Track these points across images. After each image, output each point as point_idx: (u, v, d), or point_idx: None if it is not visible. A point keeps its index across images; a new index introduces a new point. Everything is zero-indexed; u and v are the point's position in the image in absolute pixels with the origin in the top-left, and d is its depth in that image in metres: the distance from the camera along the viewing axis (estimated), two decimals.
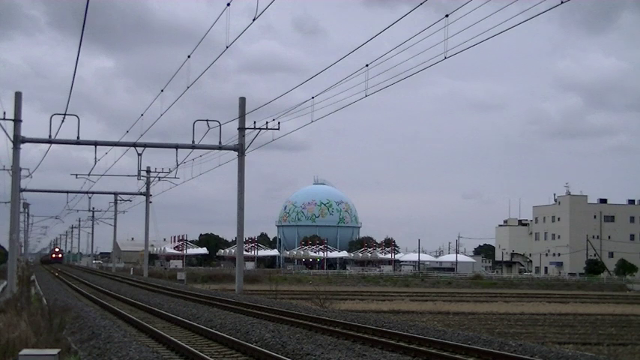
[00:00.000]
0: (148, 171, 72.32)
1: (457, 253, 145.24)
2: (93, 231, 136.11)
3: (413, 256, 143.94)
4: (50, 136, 41.51)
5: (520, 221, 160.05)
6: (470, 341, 20.30)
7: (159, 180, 67.20)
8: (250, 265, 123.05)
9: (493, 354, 17.52)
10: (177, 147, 44.34)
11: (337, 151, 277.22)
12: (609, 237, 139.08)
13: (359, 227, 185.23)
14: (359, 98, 29.94)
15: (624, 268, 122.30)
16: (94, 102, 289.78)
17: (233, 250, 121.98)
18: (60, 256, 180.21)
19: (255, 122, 43.39)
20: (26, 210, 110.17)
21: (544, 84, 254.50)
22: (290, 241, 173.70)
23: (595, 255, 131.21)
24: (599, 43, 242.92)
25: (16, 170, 43.76)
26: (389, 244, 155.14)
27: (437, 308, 46.98)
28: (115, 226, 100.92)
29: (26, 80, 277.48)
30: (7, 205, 48.02)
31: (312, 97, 33.90)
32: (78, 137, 42.14)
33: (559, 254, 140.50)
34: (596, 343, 30.09)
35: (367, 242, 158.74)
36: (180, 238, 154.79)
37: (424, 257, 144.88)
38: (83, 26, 23.80)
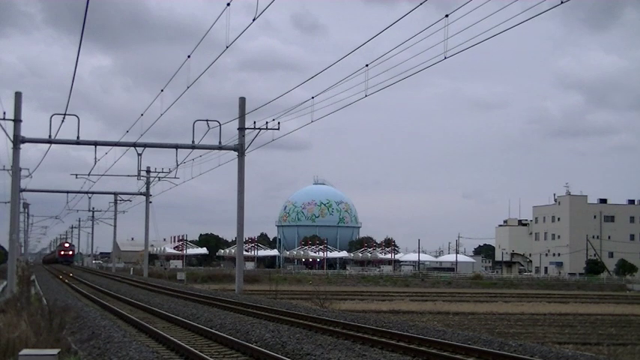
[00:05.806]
0: (148, 171, 72.36)
1: (457, 253, 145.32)
2: (93, 231, 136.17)
3: (413, 256, 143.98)
4: (50, 136, 41.54)
5: (520, 221, 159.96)
6: (470, 341, 20.29)
7: (159, 180, 67.26)
8: (250, 265, 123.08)
9: (493, 354, 17.50)
10: (177, 147, 44.36)
11: (337, 151, 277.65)
12: (609, 237, 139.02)
13: (359, 227, 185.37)
14: (359, 98, 29.94)
15: (624, 268, 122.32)
16: (91, 101, 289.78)
17: (233, 250, 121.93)
18: (70, 253, 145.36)
19: (255, 122, 43.40)
20: (26, 210, 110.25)
21: (545, 83, 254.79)
22: (290, 241, 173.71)
23: (595, 255, 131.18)
24: (600, 41, 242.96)
25: (16, 170, 43.74)
26: (389, 244, 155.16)
27: (437, 308, 46.97)
28: (114, 226, 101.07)
29: (22, 79, 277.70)
30: (7, 205, 48.05)
31: (312, 97, 33.90)
32: (78, 137, 42.19)
33: (559, 254, 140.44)
34: (596, 343, 30.09)
35: (367, 242, 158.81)
36: (180, 238, 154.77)
37: (424, 257, 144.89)
38: (83, 26, 23.73)
